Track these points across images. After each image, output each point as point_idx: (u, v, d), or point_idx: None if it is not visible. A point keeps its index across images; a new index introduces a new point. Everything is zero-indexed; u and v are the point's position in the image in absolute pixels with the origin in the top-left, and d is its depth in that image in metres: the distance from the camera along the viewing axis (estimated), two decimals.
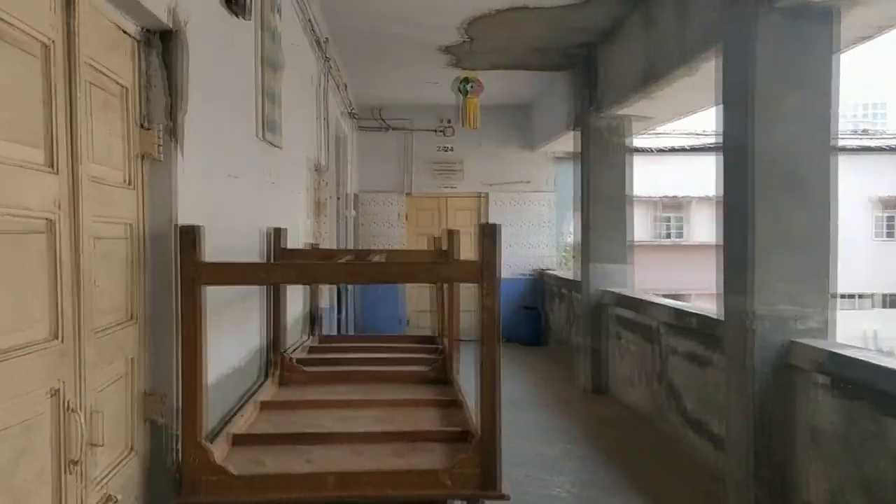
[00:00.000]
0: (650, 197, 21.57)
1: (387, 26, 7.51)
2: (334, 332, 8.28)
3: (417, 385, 4.47)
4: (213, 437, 3.17)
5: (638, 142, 12.69)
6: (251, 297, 4.23)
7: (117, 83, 2.51)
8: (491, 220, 12.04)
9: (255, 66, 4.19)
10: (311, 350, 5.56)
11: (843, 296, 19.54)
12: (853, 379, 3.66)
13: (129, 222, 2.60)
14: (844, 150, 19.63)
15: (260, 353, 4.39)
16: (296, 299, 5.66)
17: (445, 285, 5.47)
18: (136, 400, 2.66)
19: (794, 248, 4.21)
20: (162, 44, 2.77)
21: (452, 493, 2.90)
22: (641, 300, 7.09)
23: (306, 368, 4.60)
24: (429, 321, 9.32)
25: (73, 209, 2.14)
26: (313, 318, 6.14)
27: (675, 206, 22.88)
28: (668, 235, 23.04)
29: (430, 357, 5.09)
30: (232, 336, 3.77)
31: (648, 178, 18.84)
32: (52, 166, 2.04)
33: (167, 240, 2.75)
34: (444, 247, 5.05)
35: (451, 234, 4.43)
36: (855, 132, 23.67)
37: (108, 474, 2.39)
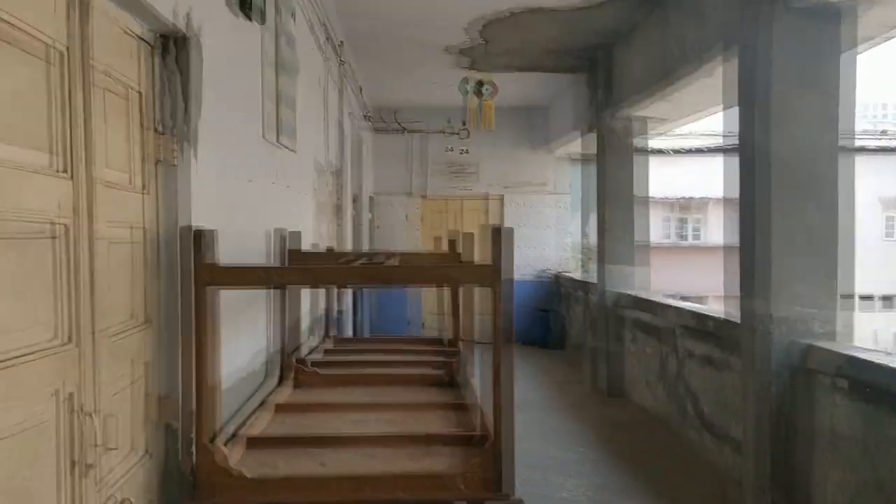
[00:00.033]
0: (667, 198, 21.44)
1: (402, 29, 7.52)
2: (350, 334, 8.30)
3: (431, 388, 4.47)
4: (228, 439, 3.18)
5: (654, 143, 12.65)
6: (266, 300, 4.25)
7: (132, 88, 2.52)
8: (506, 222, 12.04)
9: (269, 69, 4.20)
10: (327, 352, 5.57)
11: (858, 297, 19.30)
12: (872, 382, 3.62)
13: (142, 226, 2.62)
14: (864, 150, 19.45)
15: (275, 355, 4.41)
16: (308, 302, 5.68)
17: (460, 288, 5.47)
18: (151, 403, 2.67)
19: (811, 250, 4.18)
20: (176, 49, 2.78)
21: (465, 497, 2.90)
22: (657, 303, 7.05)
23: (321, 371, 4.61)
24: (444, 323, 9.34)
25: (88, 214, 2.15)
26: (328, 321, 6.15)
27: (692, 207, 22.75)
28: (685, 237, 22.91)
29: (444, 360, 5.08)
30: (246, 339, 3.79)
31: (665, 179, 18.74)
32: (67, 172, 2.05)
33: (180, 243, 2.77)
34: (459, 249, 5.06)
35: (464, 237, 4.42)
36: (874, 132, 23.41)
37: (122, 477, 2.40)
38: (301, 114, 5.10)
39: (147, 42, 2.63)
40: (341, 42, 7.22)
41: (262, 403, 3.80)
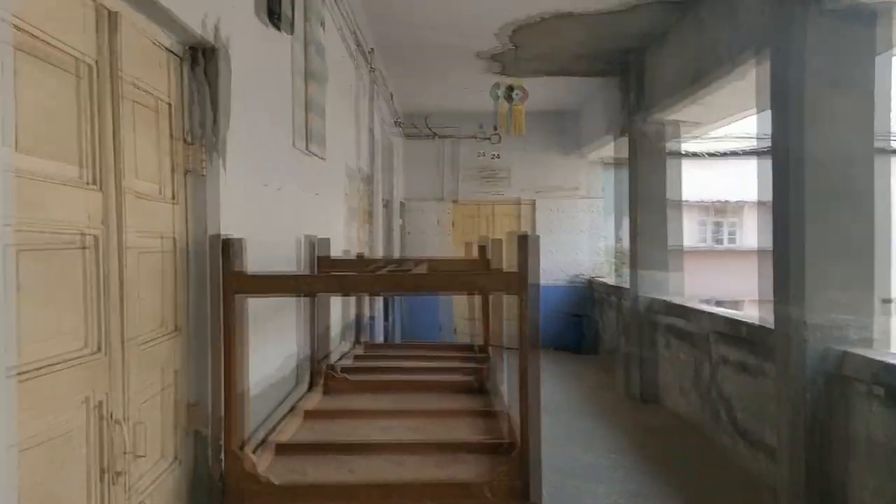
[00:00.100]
0: (702, 201, 21.20)
1: (432, 35, 7.55)
2: (381, 340, 8.33)
3: (461, 394, 4.46)
4: (257, 446, 3.21)
5: (689, 146, 12.53)
6: (293, 307, 4.28)
7: (160, 100, 2.56)
8: (538, 227, 12.01)
9: (298, 78, 4.24)
10: (357, 358, 5.59)
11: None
12: None
13: (172, 236, 2.65)
14: None
15: (304, 361, 4.44)
16: (339, 308, 5.71)
17: (490, 294, 5.46)
18: (180, 410, 2.70)
19: (847, 256, 4.11)
20: (205, 60, 2.81)
21: None
22: (691, 308, 6.98)
23: (351, 377, 4.62)
24: (475, 329, 9.33)
25: (117, 224, 2.19)
26: (359, 326, 6.17)
27: (728, 210, 22.45)
28: (721, 241, 22.62)
29: (474, 366, 5.07)
30: (276, 345, 3.82)
31: (700, 182, 18.53)
32: (95, 183, 2.09)
33: (209, 252, 2.80)
34: (490, 255, 5.05)
35: (493, 243, 4.41)
36: None
37: (151, 484, 2.43)
38: (331, 121, 5.13)
39: (176, 54, 2.67)
40: (371, 49, 7.26)
41: (292, 410, 3.83)
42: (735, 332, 5.85)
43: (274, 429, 3.48)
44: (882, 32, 4.07)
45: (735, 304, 16.50)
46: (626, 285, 8.86)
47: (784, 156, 4.35)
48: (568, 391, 8.75)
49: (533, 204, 12.25)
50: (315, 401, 4.19)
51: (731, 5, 5.49)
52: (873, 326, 4.09)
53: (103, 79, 2.13)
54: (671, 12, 6.63)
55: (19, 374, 1.71)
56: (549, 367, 10.08)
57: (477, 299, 6.60)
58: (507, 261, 4.35)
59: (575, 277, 12.17)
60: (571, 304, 12.02)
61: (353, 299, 6.20)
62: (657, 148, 8.06)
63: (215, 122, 2.84)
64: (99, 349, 2.10)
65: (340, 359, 5.21)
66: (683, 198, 8.37)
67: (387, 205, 9.34)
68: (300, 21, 4.22)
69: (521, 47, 7.90)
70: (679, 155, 8.22)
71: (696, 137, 9.50)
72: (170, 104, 2.64)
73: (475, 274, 2.99)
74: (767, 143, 4.64)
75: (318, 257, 4.60)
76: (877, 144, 4.16)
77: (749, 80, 5.54)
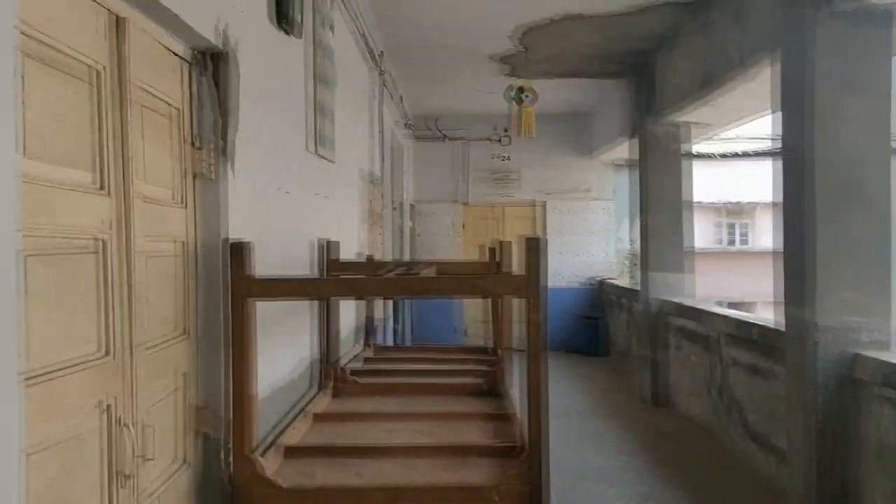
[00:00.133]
0: (713, 203, 21.12)
1: (441, 37, 7.55)
2: (391, 343, 8.33)
3: (470, 397, 4.46)
4: (266, 448, 3.22)
5: (700, 147, 12.47)
6: (304, 309, 4.29)
7: (168, 104, 2.57)
8: (549, 229, 11.99)
9: (306, 82, 4.25)
10: (366, 361, 5.60)
11: None
12: None
13: (180, 239, 2.66)
14: None
15: (313, 364, 4.45)
16: (350, 310, 5.72)
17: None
18: (189, 413, 2.71)
19: (858, 257, 4.08)
20: (213, 64, 2.83)
21: None
22: (701, 310, 6.96)
23: (360, 380, 4.63)
24: (486, 331, 9.32)
25: (125, 228, 2.20)
26: (368, 329, 6.18)
27: (740, 212, 22.37)
28: (733, 242, 22.52)
29: (484, 368, 5.07)
30: (285, 348, 3.83)
31: (711, 182, 18.46)
32: (104, 188, 2.10)
33: (218, 256, 2.81)
34: (500, 258, 5.03)
35: (503, 246, 4.41)
36: None
37: (160, 487, 2.44)
38: (341, 124, 5.15)
39: (184, 58, 2.68)
40: (381, 52, 7.27)
41: (301, 412, 3.83)
42: (746, 334, 5.82)
43: (283, 431, 3.49)
44: (894, 34, 4.05)
45: (746, 306, 16.42)
46: (637, 287, 8.85)
47: (794, 157, 4.33)
48: (579, 393, 8.73)
49: (544, 206, 12.23)
50: (324, 403, 4.20)
51: (742, 7, 5.47)
52: (885, 328, 4.06)
53: (111, 84, 2.14)
54: (681, 14, 6.62)
55: (29, 378, 1.72)
56: (561, 369, 10.07)
57: (488, 301, 6.59)
58: (518, 263, 4.34)
59: (587, 279, 12.14)
60: (584, 307, 11.99)
61: (362, 302, 6.20)
62: (668, 149, 8.03)
63: (224, 126, 2.85)
64: (107, 353, 2.11)
65: (350, 361, 5.22)
66: (697, 199, 8.34)
67: (397, 207, 9.34)
68: (309, 25, 4.24)
69: (530, 49, 7.90)
70: (690, 156, 8.20)
71: (708, 139, 9.47)
72: (178, 109, 2.65)
73: (483, 277, 2.99)
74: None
75: (328, 260, 4.61)
76: (893, 146, 4.13)
77: (760, 82, 5.52)
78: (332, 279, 4.09)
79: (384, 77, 7.55)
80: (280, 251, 3.65)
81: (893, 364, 3.74)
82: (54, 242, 1.87)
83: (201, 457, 2.80)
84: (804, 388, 4.21)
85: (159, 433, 2.41)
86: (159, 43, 2.48)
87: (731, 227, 22.77)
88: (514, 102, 8.43)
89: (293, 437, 3.48)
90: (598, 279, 12.04)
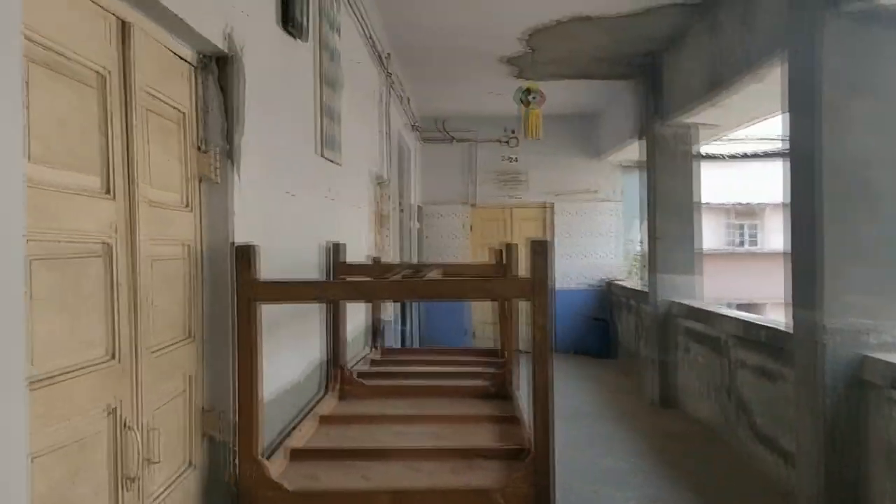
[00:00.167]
0: (722, 204, 21.06)
1: (448, 39, 7.56)
2: (398, 345, 8.33)
3: (477, 400, 4.46)
4: (272, 451, 3.23)
5: (709, 148, 12.43)
6: (311, 312, 4.30)
7: (174, 108, 2.58)
8: (557, 230, 11.98)
9: (313, 85, 4.26)
10: (374, 363, 5.61)
11: None
12: None
13: (186, 243, 2.67)
14: None
15: (320, 366, 4.45)
16: (358, 312, 5.73)
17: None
18: (195, 416, 2.72)
19: (866, 260, 4.06)
20: (219, 68, 2.83)
21: None
22: (709, 312, 6.94)
23: (367, 382, 4.63)
24: (495, 333, 9.31)
25: (130, 232, 2.21)
26: (376, 331, 6.19)
27: (749, 213, 22.29)
28: (742, 243, 22.45)
29: (491, 371, 5.07)
30: (291, 350, 3.84)
31: (721, 183, 18.40)
32: (109, 192, 2.11)
33: (224, 259, 2.82)
34: (506, 260, 5.03)
35: (510, 248, 4.41)
36: None
37: (166, 490, 2.45)
38: (348, 127, 5.16)
39: (189, 62, 2.69)
40: (388, 54, 7.28)
41: (307, 415, 3.84)
42: (754, 336, 5.80)
43: (289, 434, 3.50)
44: None
45: (757, 308, 16.35)
46: (645, 289, 8.83)
47: (802, 158, 4.31)
48: (588, 395, 8.71)
49: (552, 207, 12.22)
50: (331, 406, 4.20)
51: (749, 8, 5.45)
52: (893, 330, 4.04)
53: (118, 88, 2.15)
54: (689, 15, 6.60)
55: (35, 382, 1.73)
56: (569, 371, 10.06)
57: (496, 303, 6.59)
58: (525, 266, 4.34)
59: (596, 281, 12.12)
60: (592, 308, 11.97)
61: (368, 304, 6.21)
62: (676, 151, 8.02)
63: (230, 129, 2.86)
64: (113, 356, 2.12)
65: (357, 364, 5.23)
66: (706, 200, 8.32)
67: (405, 209, 9.35)
68: (315, 28, 4.25)
69: (538, 51, 7.90)
70: (699, 157, 8.17)
71: (717, 140, 9.44)
72: (184, 112, 2.66)
73: (489, 280, 2.99)
74: None
75: (336, 262, 4.61)
76: None
77: (768, 83, 5.50)
78: (337, 282, 4.09)
79: (391, 79, 7.56)
80: (287, 254, 3.66)
81: None
82: (60, 247, 1.88)
83: (207, 460, 2.81)
84: (812, 390, 4.19)
85: (165, 436, 2.42)
86: (165, 47, 2.49)
87: (741, 228, 22.70)
88: (521, 104, 8.41)
89: (299, 440, 3.49)
90: (607, 281, 12.01)
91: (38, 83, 1.78)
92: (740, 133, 11.61)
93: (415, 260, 10.30)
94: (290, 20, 3.63)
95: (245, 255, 2.78)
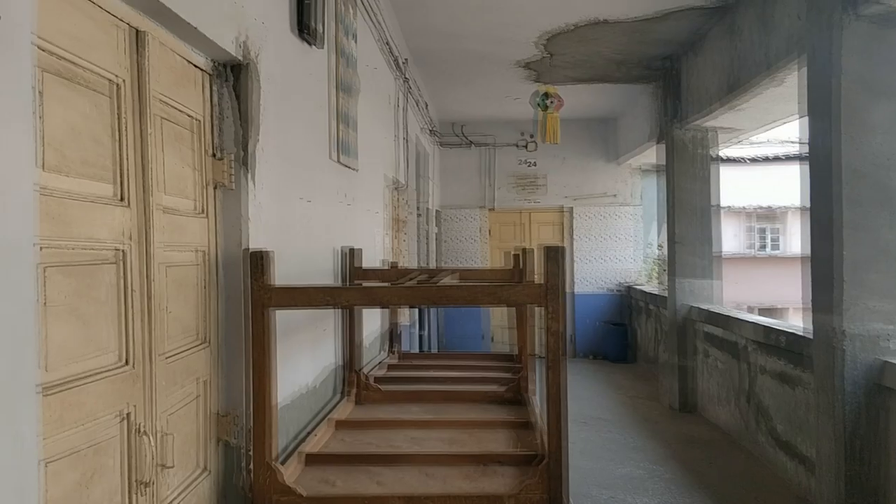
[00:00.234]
0: (744, 207, 20.89)
1: (466, 44, 7.57)
2: (416, 349, 8.33)
3: (493, 405, 4.45)
4: (287, 456, 3.24)
5: (730, 151, 12.35)
6: (326, 316, 4.31)
7: (189, 116, 2.60)
8: (575, 234, 11.94)
9: (328, 91, 4.28)
10: (390, 368, 5.61)
11: None
12: None
13: (200, 249, 2.69)
14: None
15: (336, 371, 4.46)
16: (374, 316, 5.74)
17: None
18: (209, 421, 2.74)
19: (886, 264, 4.01)
20: (233, 76, 2.86)
21: None
22: (728, 316, 6.88)
23: (383, 387, 4.63)
24: (512, 337, 9.29)
25: (144, 239, 2.23)
26: (393, 336, 6.19)
27: (771, 216, 22.09)
28: (763, 247, 22.24)
29: (507, 376, 5.06)
30: (307, 355, 3.85)
31: (741, 186, 18.26)
32: (123, 199, 2.13)
33: (238, 265, 2.84)
34: (523, 265, 5.01)
35: (525, 253, 4.39)
36: None
37: (179, 494, 2.47)
38: (364, 132, 5.17)
39: (204, 70, 2.71)
40: (405, 59, 7.30)
41: (323, 419, 3.85)
42: (774, 341, 5.75)
43: (304, 439, 3.51)
44: None
45: (779, 312, 16.20)
46: (664, 293, 8.77)
47: (821, 162, 4.27)
48: (606, 401, 8.67)
49: (570, 211, 12.18)
50: (346, 411, 4.21)
51: (767, 11, 5.41)
52: None
53: (132, 97, 2.17)
54: (707, 19, 6.57)
55: (48, 388, 1.75)
56: (588, 375, 10.02)
57: (512, 308, 6.57)
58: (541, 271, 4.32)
59: (614, 286, 12.06)
60: (611, 313, 11.93)
61: (386, 309, 6.22)
62: (695, 154, 7.97)
63: (244, 136, 2.88)
64: (126, 362, 2.13)
65: (373, 368, 5.23)
66: (727, 204, 8.26)
67: (422, 213, 9.36)
68: (331, 34, 4.26)
69: (556, 55, 7.89)
70: (718, 161, 8.12)
71: (737, 143, 9.38)
72: (199, 120, 2.68)
73: (501, 286, 2.98)
74: None
75: (352, 268, 4.63)
76: None
77: (787, 86, 5.46)
78: (351, 288, 4.10)
79: (408, 84, 7.58)
80: (302, 259, 3.67)
81: None
82: (75, 254, 1.90)
83: (222, 464, 2.82)
84: (832, 396, 4.14)
85: (179, 441, 2.43)
86: (179, 56, 2.51)
87: (762, 231, 22.49)
88: (539, 108, 8.41)
89: (314, 445, 3.49)
90: (626, 285, 11.96)
91: (52, 92, 1.81)
92: (762, 136, 11.53)
93: (433, 264, 10.31)
94: (304, 27, 3.65)
95: (259, 261, 2.80)
